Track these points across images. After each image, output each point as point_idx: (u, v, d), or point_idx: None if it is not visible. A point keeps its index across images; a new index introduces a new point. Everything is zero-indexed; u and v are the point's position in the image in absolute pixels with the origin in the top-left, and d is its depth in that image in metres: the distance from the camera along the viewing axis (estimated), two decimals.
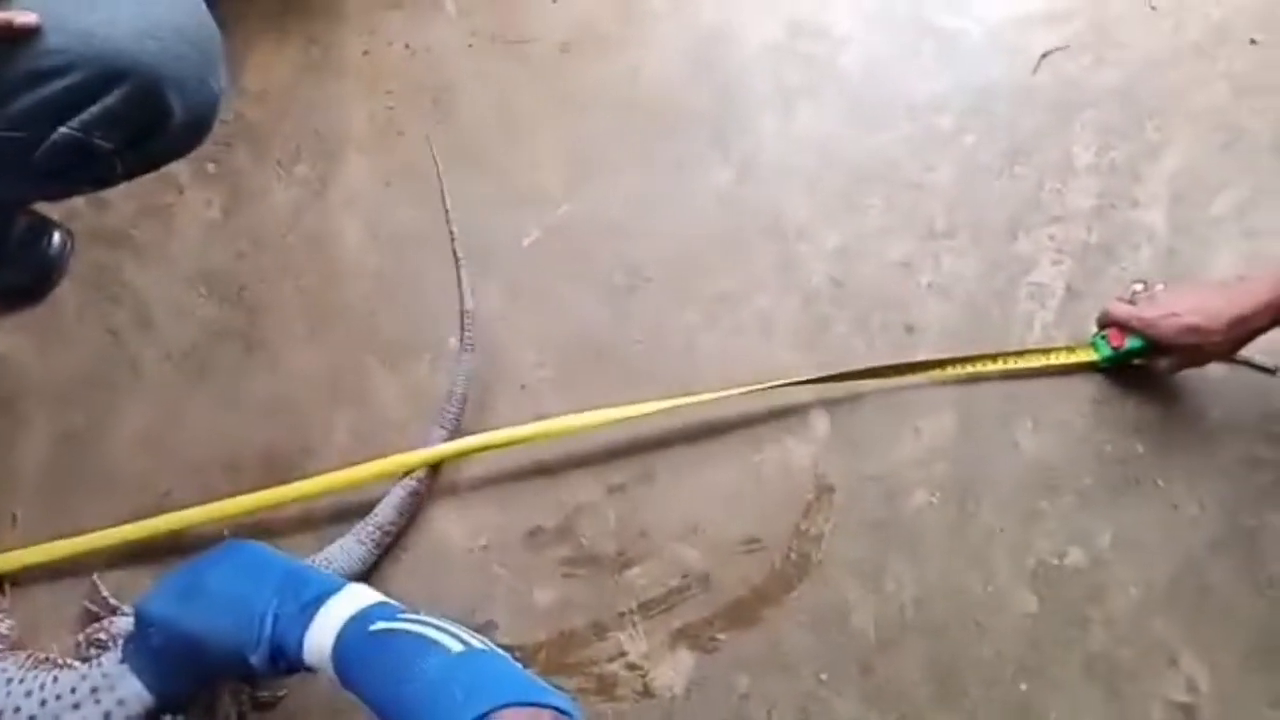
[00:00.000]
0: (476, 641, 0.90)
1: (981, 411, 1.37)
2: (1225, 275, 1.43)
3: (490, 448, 1.30)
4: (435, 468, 1.32)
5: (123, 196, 1.49)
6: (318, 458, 1.35)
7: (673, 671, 1.24)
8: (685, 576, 1.29)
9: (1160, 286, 1.39)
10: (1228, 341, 1.25)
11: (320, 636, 0.93)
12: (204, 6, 1.06)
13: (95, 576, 1.23)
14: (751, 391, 1.32)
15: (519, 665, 0.90)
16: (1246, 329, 1.23)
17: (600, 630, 1.26)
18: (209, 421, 1.37)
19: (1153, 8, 1.65)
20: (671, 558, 1.30)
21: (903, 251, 1.48)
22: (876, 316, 1.43)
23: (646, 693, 1.23)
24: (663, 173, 1.54)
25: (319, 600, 0.96)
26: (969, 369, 1.37)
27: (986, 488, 1.33)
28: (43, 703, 1.00)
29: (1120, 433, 1.35)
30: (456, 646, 0.88)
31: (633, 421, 1.31)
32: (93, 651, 1.11)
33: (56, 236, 1.42)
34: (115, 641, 1.10)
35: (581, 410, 1.31)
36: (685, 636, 1.26)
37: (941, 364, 1.37)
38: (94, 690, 1.00)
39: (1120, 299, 1.37)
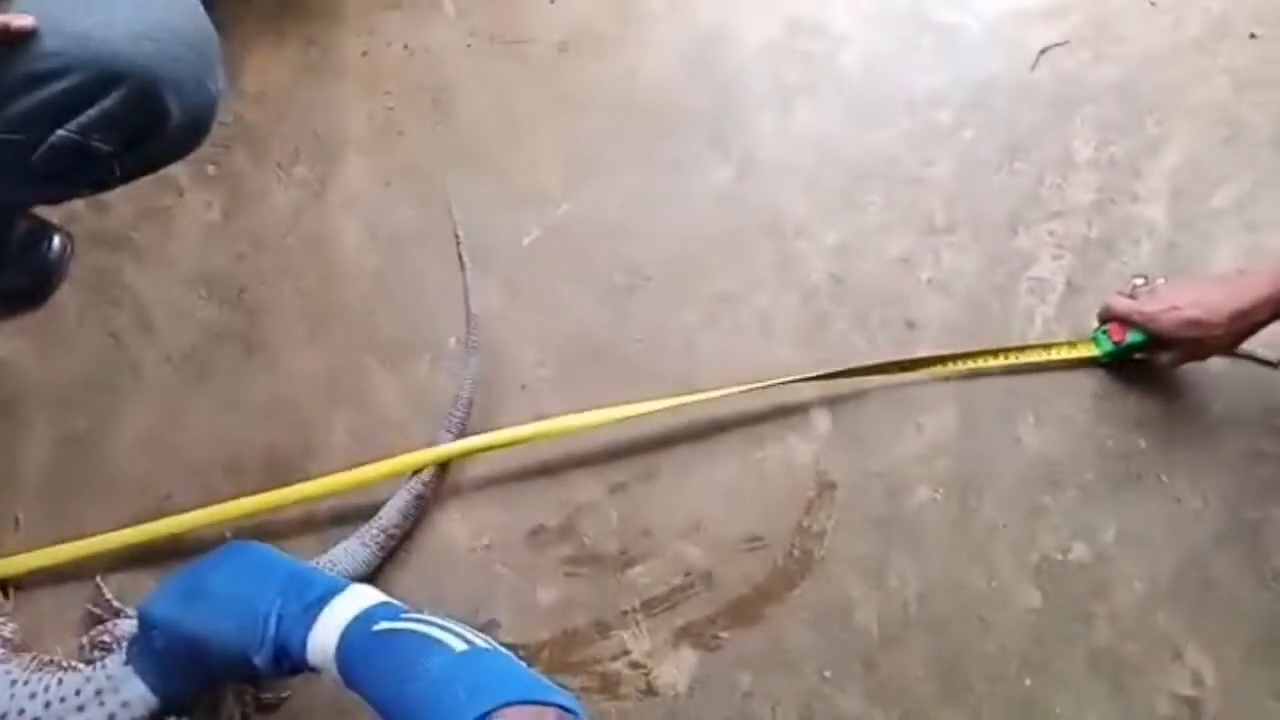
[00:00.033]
0: (480, 641, 0.90)
1: (983, 407, 1.37)
2: (1226, 269, 1.43)
3: (493, 448, 1.30)
4: (441, 471, 1.31)
5: (122, 199, 1.49)
6: (318, 458, 1.35)
7: (676, 670, 1.24)
8: (688, 574, 1.29)
9: (1161, 281, 1.39)
10: (1229, 335, 1.24)
11: (324, 637, 0.93)
12: (201, 9, 1.06)
13: (99, 579, 1.24)
14: (754, 389, 1.32)
15: (523, 664, 0.90)
16: (1247, 322, 1.23)
17: (603, 629, 1.26)
18: (209, 423, 1.37)
19: (1152, 3, 1.64)
20: (674, 556, 1.30)
21: (902, 247, 1.47)
22: (877, 313, 1.43)
23: (650, 691, 1.23)
24: (662, 172, 1.54)
25: (322, 601, 0.96)
26: (971, 365, 1.37)
27: (989, 483, 1.33)
28: (47, 705, 1.00)
29: (1122, 427, 1.35)
30: (460, 646, 0.88)
31: (634, 420, 1.31)
32: (97, 654, 1.11)
33: (57, 240, 1.42)
34: (119, 643, 1.10)
35: (582, 409, 1.31)
36: (688, 634, 1.26)
37: (944, 360, 1.37)
38: (98, 692, 1.00)
39: (1121, 293, 1.36)
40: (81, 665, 1.07)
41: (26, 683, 1.02)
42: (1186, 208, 1.48)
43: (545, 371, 1.40)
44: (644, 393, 1.33)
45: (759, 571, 1.29)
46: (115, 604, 1.21)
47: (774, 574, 1.29)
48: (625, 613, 1.27)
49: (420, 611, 0.94)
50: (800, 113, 1.58)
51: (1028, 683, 1.23)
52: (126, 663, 1.02)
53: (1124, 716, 1.21)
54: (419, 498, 1.28)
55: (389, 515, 1.26)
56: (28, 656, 1.09)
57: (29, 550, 1.24)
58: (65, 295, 1.43)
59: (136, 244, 1.48)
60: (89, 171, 1.05)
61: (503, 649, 0.90)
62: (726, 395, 1.32)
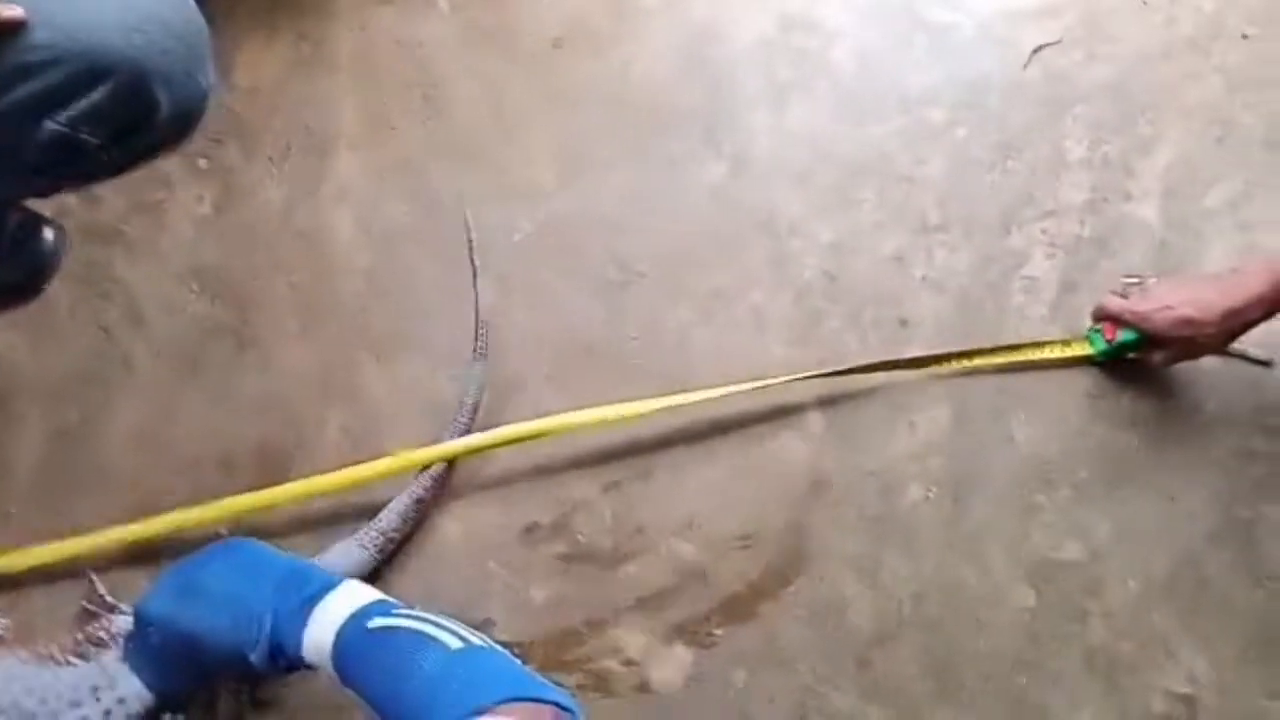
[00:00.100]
0: (475, 638, 0.90)
1: (976, 406, 1.37)
2: (1218, 269, 1.43)
3: (488, 448, 1.30)
4: (446, 472, 1.31)
5: (114, 193, 1.49)
6: (310, 453, 1.34)
7: (670, 667, 1.24)
8: (681, 572, 1.29)
9: (1153, 280, 1.39)
10: (1221, 334, 1.25)
11: (319, 634, 0.93)
12: (191, 1, 1.05)
13: (92, 575, 1.23)
14: (752, 390, 1.32)
15: (518, 662, 0.90)
16: (1239, 321, 1.23)
17: (597, 626, 1.26)
18: (201, 418, 1.37)
19: (1144, 2, 1.64)
20: (668, 554, 1.30)
21: (895, 245, 1.47)
22: (870, 311, 1.43)
23: (644, 688, 1.23)
24: (655, 168, 1.54)
25: (317, 598, 0.96)
26: (965, 364, 1.37)
27: (982, 482, 1.33)
28: (43, 700, 1.00)
29: (1116, 426, 1.35)
30: (455, 643, 0.88)
31: (628, 419, 1.30)
32: (92, 650, 1.10)
33: (49, 233, 1.41)
34: (115, 640, 1.10)
35: (576, 406, 1.31)
36: (682, 632, 1.26)
37: (938, 359, 1.37)
38: (94, 688, 1.00)
39: (1114, 292, 1.36)
40: (77, 661, 1.07)
41: (22, 678, 1.02)
42: (1179, 207, 1.48)
43: (538, 367, 1.40)
44: (638, 389, 1.33)
45: (753, 569, 1.29)
46: (109, 600, 1.20)
47: (768, 572, 1.29)
48: (619, 610, 1.27)
49: (415, 609, 0.94)
50: (793, 110, 1.58)
51: (1022, 681, 1.23)
52: (122, 659, 1.02)
53: (1118, 715, 1.21)
54: (419, 501, 1.27)
55: (388, 518, 1.25)
56: (24, 651, 1.09)
57: (20, 544, 1.24)
58: (57, 289, 1.42)
59: (128, 238, 1.47)
60: (78, 164, 1.04)
61: (498, 647, 0.90)
62: (725, 395, 1.32)
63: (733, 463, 1.35)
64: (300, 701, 1.19)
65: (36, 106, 0.97)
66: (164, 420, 1.36)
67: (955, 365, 1.37)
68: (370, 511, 1.27)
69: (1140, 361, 1.36)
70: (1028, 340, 1.39)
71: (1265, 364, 1.37)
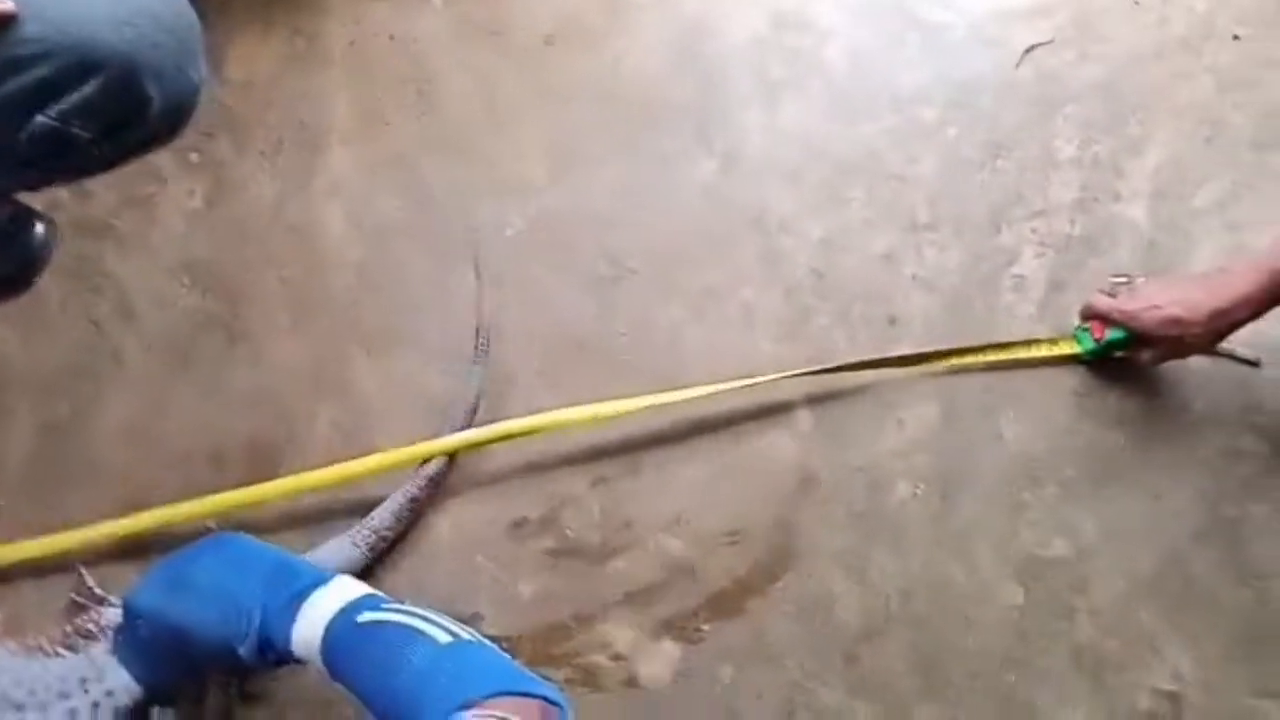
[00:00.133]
0: (464, 633, 0.90)
1: (964, 403, 1.37)
2: (1206, 268, 1.44)
3: (478, 444, 1.30)
4: (439, 478, 1.31)
5: (105, 187, 1.48)
6: (301, 448, 1.34)
7: (658, 662, 1.24)
8: (670, 568, 1.29)
9: (1141, 279, 1.40)
10: (1208, 333, 1.25)
11: (308, 628, 0.93)
12: None
13: (81, 568, 1.23)
14: (739, 388, 1.32)
15: (507, 656, 0.90)
16: (1227, 321, 1.23)
17: (585, 621, 1.26)
18: (192, 412, 1.36)
19: (1136, 2, 1.65)
20: (656, 549, 1.30)
21: (885, 244, 1.48)
22: (859, 309, 1.44)
23: (631, 683, 1.23)
24: (646, 165, 1.54)
25: (307, 592, 0.96)
26: (953, 362, 1.38)
27: (970, 479, 1.33)
28: (31, 691, 0.99)
29: (1103, 424, 1.36)
30: (444, 637, 0.88)
31: (619, 415, 1.31)
32: (81, 642, 1.10)
33: (40, 227, 1.41)
34: (104, 632, 1.10)
35: (566, 402, 1.31)
36: (670, 627, 1.26)
37: (926, 357, 1.37)
38: (83, 680, 1.00)
39: (1102, 291, 1.37)
40: (66, 653, 1.07)
41: (11, 669, 1.02)
42: (1168, 207, 1.49)
43: (528, 363, 1.40)
44: (628, 385, 1.33)
45: (741, 565, 1.29)
46: (99, 592, 1.20)
47: (756, 567, 1.29)
48: (607, 605, 1.27)
49: (404, 603, 0.94)
50: (785, 107, 1.59)
51: (1009, 678, 1.23)
52: (111, 652, 1.02)
53: (1104, 712, 1.22)
54: (413, 500, 1.27)
55: (381, 517, 1.25)
56: (12, 643, 1.09)
57: (10, 538, 1.24)
58: (48, 283, 1.41)
59: (119, 232, 1.47)
60: (69, 158, 1.04)
61: (487, 641, 0.90)
62: (713, 393, 1.32)
63: (721, 459, 1.35)
64: (289, 695, 1.19)
65: (27, 100, 0.97)
66: (154, 414, 1.36)
67: (944, 363, 1.37)
68: (360, 508, 1.27)
69: (1128, 360, 1.36)
70: (1016, 339, 1.40)
71: (1253, 364, 1.38)
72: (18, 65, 0.95)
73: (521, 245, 1.48)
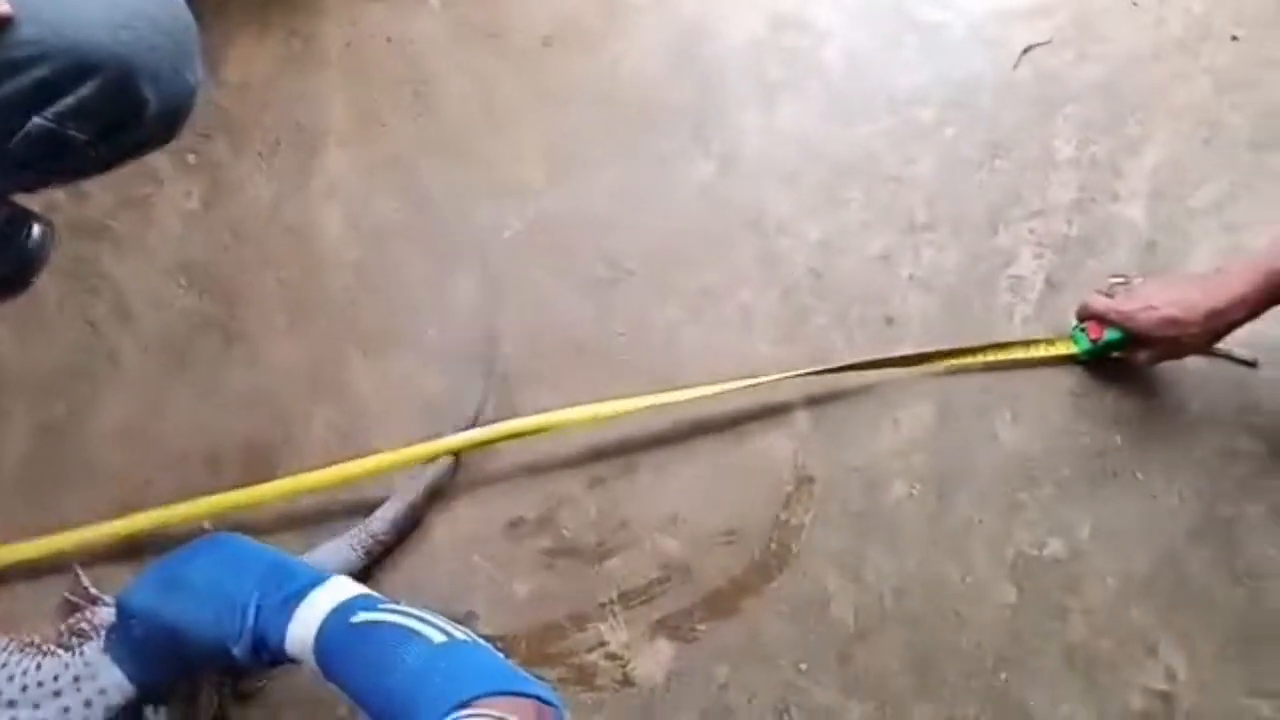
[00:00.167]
0: (459, 632, 0.90)
1: (960, 403, 1.38)
2: (1204, 269, 1.44)
3: (476, 445, 1.30)
4: (438, 487, 1.30)
5: (102, 188, 1.49)
6: (298, 449, 1.34)
7: (653, 661, 1.24)
8: (665, 567, 1.29)
9: (1139, 280, 1.40)
10: (1205, 334, 1.25)
11: (302, 628, 0.93)
12: None
13: (76, 567, 1.23)
14: (738, 389, 1.32)
15: (501, 656, 0.90)
16: (1223, 321, 1.24)
17: (580, 621, 1.26)
18: (189, 413, 1.37)
19: (1134, 3, 1.65)
20: (652, 549, 1.30)
21: (883, 244, 1.48)
22: (856, 309, 1.44)
23: (627, 682, 1.24)
24: (644, 166, 1.54)
25: (301, 592, 0.96)
26: (951, 362, 1.38)
27: (966, 479, 1.33)
28: (24, 688, 1.00)
29: (1099, 424, 1.36)
30: (438, 637, 0.88)
31: (618, 416, 1.31)
32: (75, 641, 1.10)
33: (37, 228, 1.41)
34: (98, 631, 1.10)
35: (564, 403, 1.31)
36: (665, 627, 1.26)
37: (924, 358, 1.37)
38: (76, 679, 1.00)
39: (1099, 292, 1.37)
40: (60, 651, 1.07)
41: (4, 664, 1.02)
42: (1166, 208, 1.49)
43: (526, 364, 1.40)
44: (626, 386, 1.33)
45: (736, 565, 1.29)
46: (93, 591, 1.21)
47: (751, 567, 1.29)
48: (603, 604, 1.27)
49: (399, 603, 0.94)
50: (783, 108, 1.59)
51: (1003, 677, 1.23)
52: (104, 650, 1.02)
53: (1098, 711, 1.22)
54: (412, 507, 1.27)
55: (380, 523, 1.25)
56: (6, 639, 1.09)
57: (6, 539, 1.24)
58: (45, 283, 1.42)
59: (116, 233, 1.47)
60: (66, 160, 1.05)
61: (481, 641, 0.91)
62: (712, 393, 1.32)
63: (717, 459, 1.35)
64: (284, 694, 1.19)
65: (24, 102, 0.97)
66: (151, 415, 1.36)
67: (941, 364, 1.37)
68: (357, 509, 1.27)
69: (1124, 361, 1.36)
70: (1013, 339, 1.40)
71: (1250, 364, 1.38)
72: (14, 67, 0.95)
73: (520, 247, 1.48)
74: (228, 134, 1.55)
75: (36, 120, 0.97)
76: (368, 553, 1.24)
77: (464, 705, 0.79)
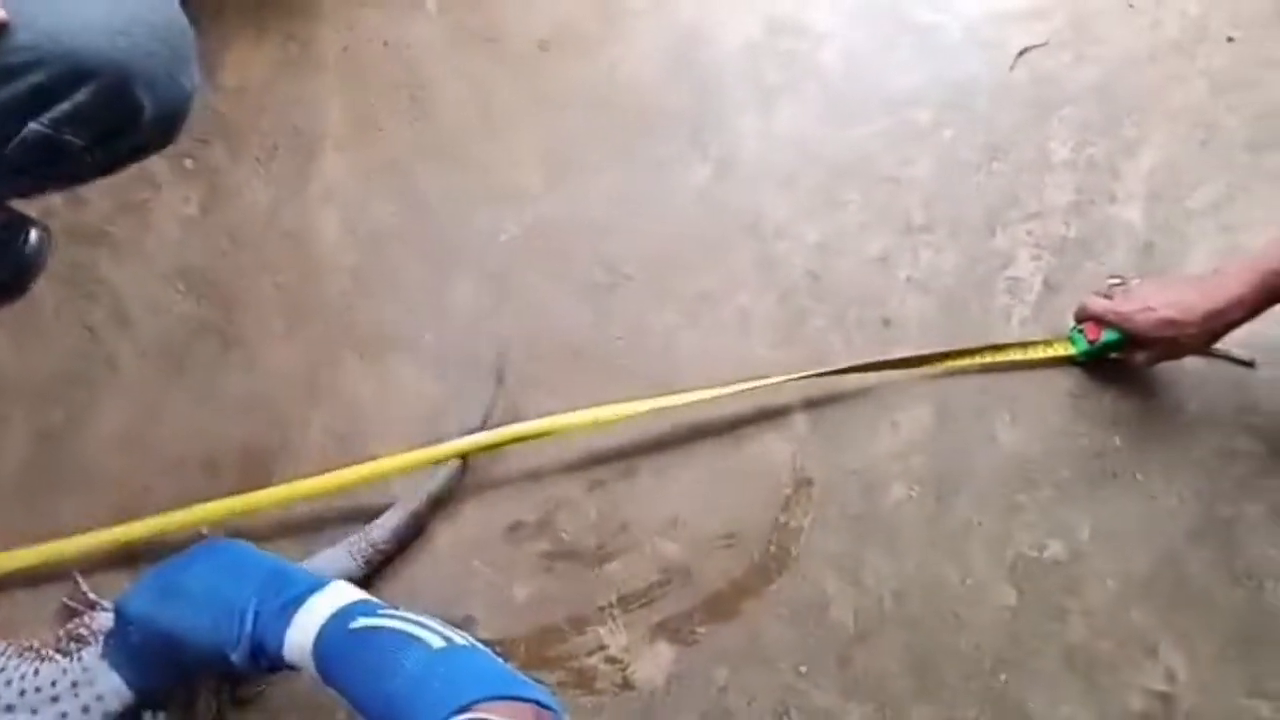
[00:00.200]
0: (458, 637, 0.90)
1: (959, 405, 1.38)
2: (1201, 270, 1.44)
3: (477, 450, 1.30)
4: (440, 498, 1.30)
5: (99, 193, 1.48)
6: (295, 454, 1.34)
7: (653, 664, 1.24)
8: (665, 570, 1.29)
9: (1136, 281, 1.40)
10: (1203, 334, 1.25)
11: (301, 634, 0.93)
12: (176, 3, 1.05)
13: (77, 573, 1.23)
14: (736, 392, 1.32)
15: (500, 661, 0.90)
16: (1221, 322, 1.24)
17: (580, 624, 1.26)
18: (187, 418, 1.36)
19: (1130, 5, 1.65)
20: (651, 552, 1.30)
21: (881, 246, 1.48)
22: (854, 312, 1.44)
23: (626, 685, 1.23)
24: (642, 170, 1.54)
25: (300, 598, 0.96)
26: (949, 364, 1.38)
27: (965, 481, 1.33)
28: (22, 693, 1.00)
29: (1098, 425, 1.36)
30: (438, 642, 0.88)
31: (619, 420, 1.31)
32: (73, 646, 1.10)
33: (34, 234, 1.41)
34: (96, 636, 1.10)
35: (562, 408, 1.31)
36: (665, 630, 1.26)
37: (922, 360, 1.37)
38: (74, 684, 1.00)
39: (1097, 293, 1.37)
40: (59, 656, 1.07)
41: (3, 670, 1.02)
42: (1163, 209, 1.49)
43: (524, 368, 1.40)
44: (624, 390, 1.33)
45: (736, 567, 1.29)
46: (91, 597, 1.20)
47: (751, 570, 1.29)
48: (602, 608, 1.27)
49: (398, 608, 0.94)
50: (780, 112, 1.59)
51: (1002, 679, 1.23)
52: (102, 656, 1.02)
53: (1098, 713, 1.22)
54: (414, 515, 1.27)
55: (381, 532, 1.25)
56: (4, 644, 1.09)
57: (3, 546, 1.23)
58: (42, 289, 1.41)
59: (114, 238, 1.47)
60: (62, 165, 1.05)
61: (481, 646, 0.90)
62: (713, 396, 1.32)
63: (716, 462, 1.35)
64: (283, 700, 1.19)
65: (20, 108, 0.97)
66: (149, 421, 1.36)
67: (939, 366, 1.37)
68: (355, 515, 1.27)
69: (1123, 362, 1.37)
70: (1011, 341, 1.40)
71: (1248, 364, 1.38)
72: (10, 73, 0.95)
73: (517, 251, 1.48)
74: (225, 139, 1.54)
75: (33, 126, 0.97)
76: (368, 561, 1.24)
77: (463, 710, 0.79)
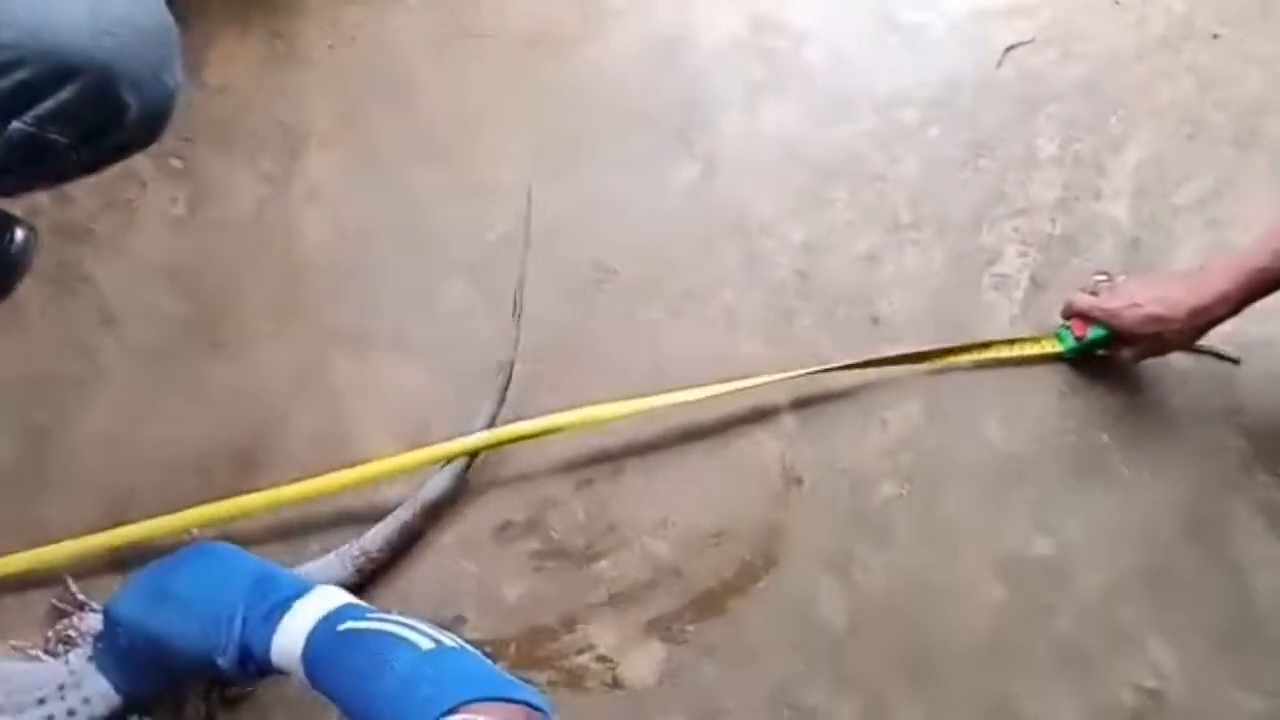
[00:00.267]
0: (447, 639, 0.89)
1: (948, 403, 1.38)
2: (1188, 266, 1.44)
3: (466, 451, 1.29)
4: (435, 508, 1.29)
5: (85, 192, 1.47)
6: (284, 453, 1.33)
7: (643, 663, 1.24)
8: (655, 569, 1.29)
9: (1122, 277, 1.41)
10: (1189, 330, 1.26)
11: (288, 639, 0.93)
12: (162, 2, 1.05)
13: (67, 576, 1.22)
14: (725, 392, 1.32)
15: (490, 662, 0.90)
16: (1206, 318, 1.24)
17: (570, 623, 1.26)
18: (173, 418, 1.35)
19: (1116, 2, 1.66)
20: (641, 551, 1.30)
21: (868, 244, 1.48)
22: (842, 310, 1.44)
23: (616, 684, 1.23)
24: (627, 169, 1.54)
25: (286, 603, 0.95)
26: (937, 362, 1.38)
27: (953, 478, 1.34)
28: (8, 694, 0.99)
29: (1086, 422, 1.37)
30: (426, 644, 0.88)
31: (612, 419, 1.31)
32: (62, 648, 1.10)
33: (20, 233, 1.40)
34: (85, 638, 1.09)
35: (548, 407, 1.31)
36: (655, 628, 1.26)
37: (909, 358, 1.37)
38: (60, 686, 1.00)
39: (1084, 290, 1.38)
40: (47, 658, 1.06)
41: None
42: (1149, 205, 1.49)
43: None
44: (611, 389, 1.33)
45: (726, 566, 1.29)
46: (80, 598, 1.20)
47: (741, 568, 1.29)
48: (592, 607, 1.27)
49: (387, 611, 0.94)
50: (765, 110, 1.59)
51: (991, 675, 1.24)
52: (90, 659, 1.01)
53: (1088, 708, 1.22)
54: (406, 525, 1.26)
55: (374, 540, 1.24)
56: None
57: None
58: (28, 288, 1.40)
59: (99, 237, 1.46)
60: (47, 164, 1.04)
61: (470, 648, 0.90)
62: (704, 396, 1.32)
63: (706, 461, 1.35)
64: (273, 700, 1.18)
65: (3, 106, 0.96)
66: (136, 421, 1.35)
67: (927, 363, 1.38)
68: (343, 519, 1.27)
69: (1110, 358, 1.37)
70: (999, 338, 1.40)
71: (1234, 360, 1.39)
72: None
73: (502, 249, 1.47)
74: (210, 137, 1.53)
75: (16, 124, 0.96)
76: (359, 570, 1.23)
77: (452, 711, 0.79)
